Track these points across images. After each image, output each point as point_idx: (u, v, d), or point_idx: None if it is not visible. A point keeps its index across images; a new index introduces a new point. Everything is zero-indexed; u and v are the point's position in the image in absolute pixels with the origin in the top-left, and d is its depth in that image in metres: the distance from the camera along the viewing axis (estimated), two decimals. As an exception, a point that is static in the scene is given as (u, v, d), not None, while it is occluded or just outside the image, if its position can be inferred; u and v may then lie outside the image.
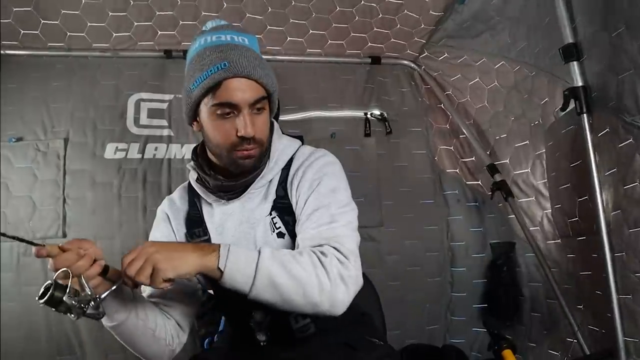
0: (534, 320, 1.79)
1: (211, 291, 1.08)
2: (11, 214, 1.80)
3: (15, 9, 1.70)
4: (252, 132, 0.90)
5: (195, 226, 1.03)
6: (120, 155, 1.94)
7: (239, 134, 0.90)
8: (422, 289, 2.07)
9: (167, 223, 1.05)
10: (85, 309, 0.72)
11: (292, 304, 0.81)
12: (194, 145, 1.08)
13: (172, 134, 2.00)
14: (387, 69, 2.27)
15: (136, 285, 0.77)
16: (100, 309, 0.75)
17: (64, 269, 0.72)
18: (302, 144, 1.08)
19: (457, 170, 2.21)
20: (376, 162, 2.14)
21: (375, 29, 2.05)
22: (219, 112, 0.90)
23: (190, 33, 1.90)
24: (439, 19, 1.97)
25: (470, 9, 1.81)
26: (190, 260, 0.77)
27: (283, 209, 0.98)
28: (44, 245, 0.72)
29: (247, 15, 1.88)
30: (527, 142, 1.74)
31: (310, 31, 2.02)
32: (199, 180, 1.03)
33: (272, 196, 1.00)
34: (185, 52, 1.91)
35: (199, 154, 1.04)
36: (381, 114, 2.19)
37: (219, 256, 0.78)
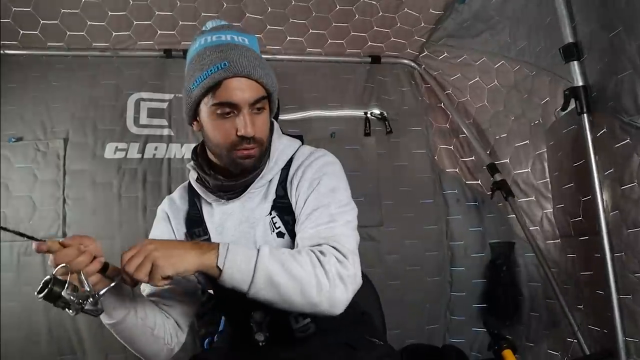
0: (533, 320, 1.79)
1: (211, 291, 1.09)
2: (11, 214, 1.80)
3: (14, 9, 1.70)
4: (252, 132, 0.90)
5: (195, 226, 1.03)
6: (120, 155, 1.94)
7: (238, 134, 0.90)
8: (421, 288, 2.07)
9: (167, 222, 1.05)
10: (83, 305, 0.72)
11: (291, 303, 0.81)
12: (194, 145, 1.08)
13: (172, 133, 2.00)
14: (387, 68, 2.27)
15: (135, 282, 0.77)
16: (98, 306, 0.75)
17: (64, 264, 0.72)
18: (302, 143, 1.08)
19: (457, 170, 2.21)
20: (376, 161, 2.13)
21: (375, 27, 2.05)
22: (219, 111, 0.90)
23: (190, 33, 1.90)
24: (439, 18, 1.97)
25: (471, 8, 1.81)
26: (189, 258, 0.77)
27: (283, 208, 0.98)
28: (44, 240, 0.72)
29: (247, 15, 1.88)
30: (528, 141, 1.74)
31: (310, 30, 2.02)
32: (199, 180, 1.03)
33: (271, 196, 1.00)
34: (185, 51, 1.91)
35: (199, 154, 1.04)
36: (381, 114, 2.19)
37: (217, 254, 0.79)
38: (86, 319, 1.76)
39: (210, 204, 1.03)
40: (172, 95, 2.03)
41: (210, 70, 0.87)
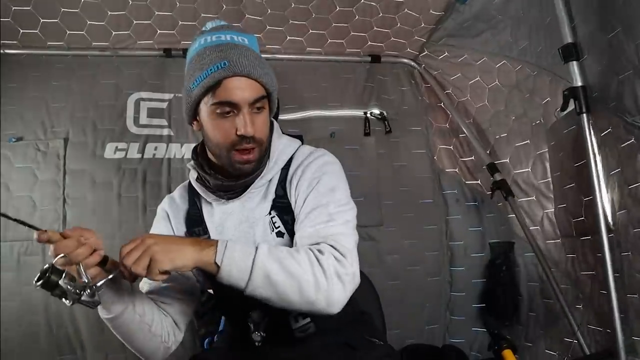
0: (533, 319, 1.79)
1: (211, 291, 1.09)
2: (11, 214, 1.77)
3: (14, 8, 1.70)
4: (251, 131, 0.90)
5: (195, 225, 1.03)
6: (120, 155, 1.94)
7: (238, 133, 0.90)
8: (421, 288, 2.07)
9: (166, 221, 1.06)
10: (80, 295, 0.72)
11: (289, 302, 0.81)
12: (194, 144, 1.08)
13: (171, 133, 2.00)
14: (387, 67, 2.27)
15: (133, 277, 0.78)
16: (95, 297, 0.75)
17: (63, 255, 0.73)
18: (302, 143, 1.08)
19: (457, 170, 2.20)
20: (376, 161, 2.13)
21: (375, 28, 2.04)
22: (218, 111, 0.90)
23: (189, 32, 1.90)
24: (439, 18, 1.97)
25: (472, 8, 1.80)
26: (187, 253, 0.78)
27: (282, 208, 0.99)
28: (45, 230, 0.73)
29: (247, 16, 1.88)
30: (528, 141, 1.74)
31: (310, 31, 2.02)
32: (199, 179, 1.03)
33: (271, 195, 1.00)
34: (184, 51, 1.91)
35: (199, 154, 1.04)
36: (381, 113, 2.19)
37: (216, 251, 0.79)
38: (86, 319, 1.76)
39: (210, 203, 1.03)
40: (172, 95, 2.03)
41: (210, 70, 0.88)
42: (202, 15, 1.84)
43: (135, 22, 1.85)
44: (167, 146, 1.98)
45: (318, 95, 2.16)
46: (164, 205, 1.08)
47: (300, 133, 1.13)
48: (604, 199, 1.27)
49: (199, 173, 1.02)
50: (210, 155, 1.00)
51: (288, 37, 2.04)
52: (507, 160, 1.88)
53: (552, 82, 1.51)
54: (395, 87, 2.26)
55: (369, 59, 2.23)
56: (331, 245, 0.85)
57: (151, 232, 1.06)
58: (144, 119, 1.99)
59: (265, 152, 0.99)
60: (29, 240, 1.78)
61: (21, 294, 1.75)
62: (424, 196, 2.16)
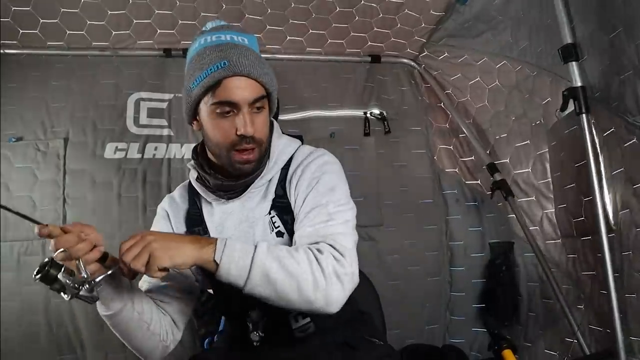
0: (533, 319, 1.79)
1: (210, 291, 1.09)
2: (11, 214, 1.79)
3: (14, 8, 1.70)
4: (251, 131, 0.90)
5: (195, 225, 1.03)
6: (120, 155, 1.94)
7: (238, 133, 0.90)
8: (421, 288, 2.07)
9: (166, 221, 1.06)
10: (78, 290, 0.73)
11: (287, 300, 0.81)
12: (194, 145, 1.08)
13: (171, 133, 2.00)
14: (387, 67, 2.27)
15: (133, 273, 0.78)
16: (94, 293, 0.75)
17: (63, 249, 0.73)
18: (302, 143, 1.08)
19: (457, 170, 2.20)
20: (376, 161, 2.13)
21: (375, 28, 2.04)
22: (218, 110, 0.90)
23: (189, 32, 1.90)
24: (439, 18, 1.97)
25: (472, 9, 1.80)
26: (187, 251, 0.78)
27: (282, 208, 0.99)
28: (46, 225, 0.73)
29: (247, 16, 1.88)
30: (528, 141, 1.74)
31: (310, 31, 2.02)
32: (199, 179, 1.03)
33: (271, 195, 1.00)
34: (184, 51, 1.91)
35: (199, 153, 1.04)
36: (381, 113, 2.19)
37: (215, 249, 0.79)
38: (86, 318, 1.76)
39: (210, 203, 1.03)
40: (172, 95, 2.03)
41: (210, 70, 0.88)
42: (202, 14, 1.84)
43: (135, 21, 1.85)
44: (167, 146, 1.98)
45: (318, 95, 2.16)
46: (164, 205, 1.08)
47: (300, 133, 1.13)
48: (605, 199, 1.27)
49: (199, 173, 1.02)
50: (210, 155, 1.00)
51: (288, 37, 2.04)
52: (507, 160, 1.88)
53: (552, 82, 1.51)
54: (395, 87, 2.26)
55: (369, 59, 2.23)
56: (330, 245, 0.85)
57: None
58: (144, 119, 1.99)
59: (265, 152, 0.99)
60: (29, 240, 1.79)
61: (21, 294, 1.75)
62: (424, 196, 2.16)
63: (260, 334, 0.95)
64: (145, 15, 1.84)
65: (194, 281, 1.04)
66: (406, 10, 1.93)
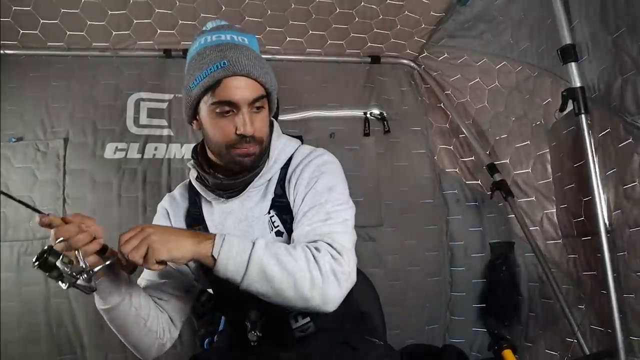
0: (533, 319, 1.79)
1: (210, 290, 1.09)
2: (11, 214, 1.80)
3: (14, 8, 1.70)
4: (251, 130, 0.90)
5: (195, 223, 1.03)
6: (120, 155, 1.94)
7: (238, 132, 0.90)
8: (421, 288, 2.07)
9: (166, 219, 1.06)
10: (76, 279, 0.73)
11: (284, 297, 0.81)
12: (194, 145, 1.09)
13: (171, 133, 2.00)
14: (386, 68, 2.27)
15: (132, 268, 0.79)
16: (92, 283, 0.76)
17: (63, 239, 0.73)
18: (302, 143, 1.09)
19: (457, 170, 2.21)
20: (376, 161, 2.14)
21: (375, 29, 2.05)
22: (218, 110, 0.90)
23: (189, 32, 1.90)
24: (439, 19, 1.97)
25: (473, 9, 1.80)
26: (185, 245, 0.78)
27: (281, 207, 0.99)
28: (47, 214, 0.73)
29: (246, 18, 1.88)
30: (528, 142, 1.74)
31: (310, 32, 2.02)
32: (198, 178, 1.04)
33: (270, 195, 1.00)
34: (184, 51, 1.91)
35: (199, 153, 1.04)
36: (380, 114, 2.19)
37: (213, 244, 0.80)
38: (86, 318, 1.76)
39: (210, 202, 1.03)
40: (172, 96, 2.03)
41: (210, 69, 0.88)
42: (202, 15, 1.85)
43: (135, 21, 1.85)
44: (167, 146, 1.98)
45: (318, 95, 2.16)
46: (164, 203, 1.09)
47: (300, 133, 1.13)
48: (602, 200, 1.27)
49: (198, 172, 1.02)
50: (210, 155, 1.00)
51: (288, 38, 2.04)
52: (507, 161, 1.89)
53: (552, 83, 1.52)
54: (395, 87, 2.26)
55: (369, 59, 2.23)
56: (328, 243, 0.85)
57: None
58: (144, 119, 1.99)
59: (265, 151, 0.99)
60: (29, 240, 1.79)
61: (21, 294, 1.75)
62: (424, 196, 2.16)
63: (258, 333, 0.95)
64: (145, 15, 1.84)
65: (192, 280, 1.05)
66: (406, 12, 1.93)
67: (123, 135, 1.95)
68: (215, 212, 1.02)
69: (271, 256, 0.80)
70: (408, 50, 2.22)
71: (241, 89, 0.89)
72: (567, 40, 1.33)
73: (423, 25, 2.02)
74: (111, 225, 1.86)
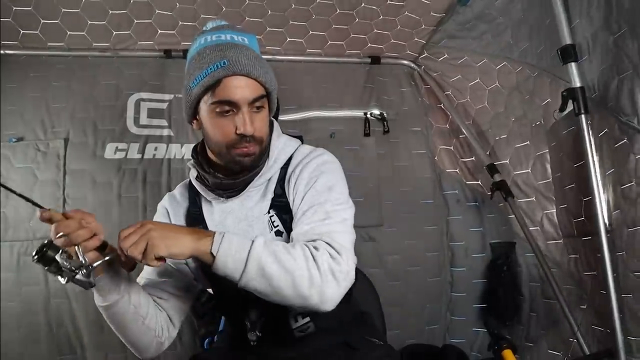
0: (534, 320, 1.79)
1: (210, 290, 1.09)
2: (11, 214, 1.80)
3: (15, 8, 1.70)
4: (251, 130, 0.90)
5: (195, 223, 1.03)
6: (120, 155, 1.94)
7: (238, 132, 0.90)
8: (422, 288, 2.06)
9: (166, 218, 1.06)
10: (75, 273, 0.73)
11: (282, 295, 0.81)
12: (194, 145, 1.09)
13: (172, 133, 2.00)
14: (386, 68, 2.27)
15: (131, 265, 0.79)
16: (90, 278, 0.76)
17: (63, 234, 0.73)
18: (302, 143, 1.09)
19: (457, 170, 2.21)
20: (376, 162, 2.14)
21: (375, 30, 2.05)
22: (218, 110, 0.90)
23: (190, 33, 1.90)
24: (440, 19, 1.97)
25: (473, 10, 1.80)
26: (185, 241, 0.78)
27: (281, 207, 0.99)
28: (48, 209, 0.73)
29: (247, 18, 1.88)
30: (528, 142, 1.74)
31: (310, 32, 2.02)
32: (198, 178, 1.04)
33: (270, 194, 1.00)
34: (185, 51, 1.91)
35: (199, 152, 1.04)
36: (381, 114, 2.20)
37: (212, 241, 0.80)
38: (86, 318, 1.76)
39: (210, 202, 1.03)
40: (172, 96, 2.03)
41: (210, 69, 0.88)
42: (202, 16, 1.85)
43: (135, 21, 1.85)
44: (167, 146, 1.99)
45: (318, 95, 2.17)
46: (164, 203, 1.09)
47: (300, 133, 1.13)
48: (602, 200, 1.27)
49: (198, 172, 1.02)
50: (210, 154, 1.00)
51: (288, 39, 2.04)
52: (507, 161, 1.89)
53: (552, 83, 1.52)
54: (395, 88, 2.27)
55: (369, 60, 2.24)
56: (327, 243, 0.85)
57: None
58: (144, 119, 1.99)
59: (265, 150, 0.99)
60: (29, 240, 1.79)
61: (21, 294, 1.75)
62: (424, 196, 2.16)
63: (258, 333, 0.95)
64: (146, 15, 1.84)
65: (192, 279, 1.05)
66: (406, 13, 1.93)
67: (123, 136, 1.95)
68: (215, 211, 1.02)
69: (270, 254, 0.80)
70: (408, 51, 2.22)
71: (241, 88, 0.89)
72: (567, 40, 1.33)
73: (423, 26, 2.02)
74: (111, 225, 1.86)
